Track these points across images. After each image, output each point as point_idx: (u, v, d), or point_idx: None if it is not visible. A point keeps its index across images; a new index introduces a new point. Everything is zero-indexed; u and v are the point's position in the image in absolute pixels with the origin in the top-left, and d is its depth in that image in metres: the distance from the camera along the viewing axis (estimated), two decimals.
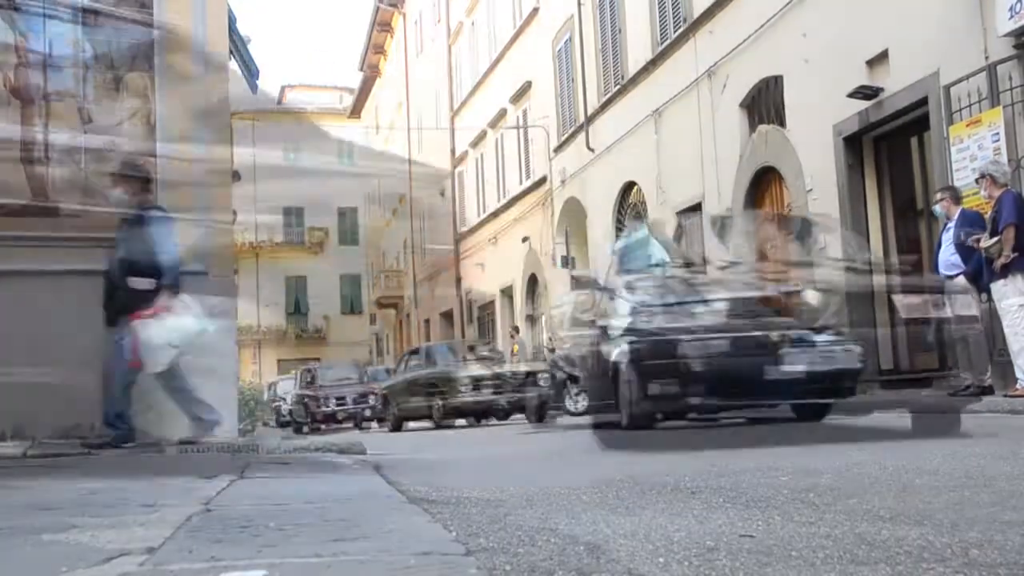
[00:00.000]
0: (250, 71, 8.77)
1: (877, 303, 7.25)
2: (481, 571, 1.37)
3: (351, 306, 41.20)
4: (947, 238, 7.71)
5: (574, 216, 17.73)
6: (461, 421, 14.07)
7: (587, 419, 7.39)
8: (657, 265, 8.34)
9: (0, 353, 5.33)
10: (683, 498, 2.34)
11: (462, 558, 1.47)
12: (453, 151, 25.49)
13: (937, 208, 7.97)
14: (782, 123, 11.42)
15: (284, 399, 21.93)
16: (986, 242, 7.01)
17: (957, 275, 7.54)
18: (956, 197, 7.84)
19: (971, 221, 7.53)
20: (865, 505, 2.13)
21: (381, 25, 31.54)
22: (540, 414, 10.39)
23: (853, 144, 10.25)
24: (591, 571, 1.39)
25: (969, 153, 8.15)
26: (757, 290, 5.92)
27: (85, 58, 5.80)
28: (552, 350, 12.80)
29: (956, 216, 7.66)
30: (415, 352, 17.16)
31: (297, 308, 41.12)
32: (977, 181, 7.49)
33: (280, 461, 4.34)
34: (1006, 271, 6.90)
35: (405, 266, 31.47)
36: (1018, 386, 6.84)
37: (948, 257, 7.64)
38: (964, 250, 7.45)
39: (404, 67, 30.44)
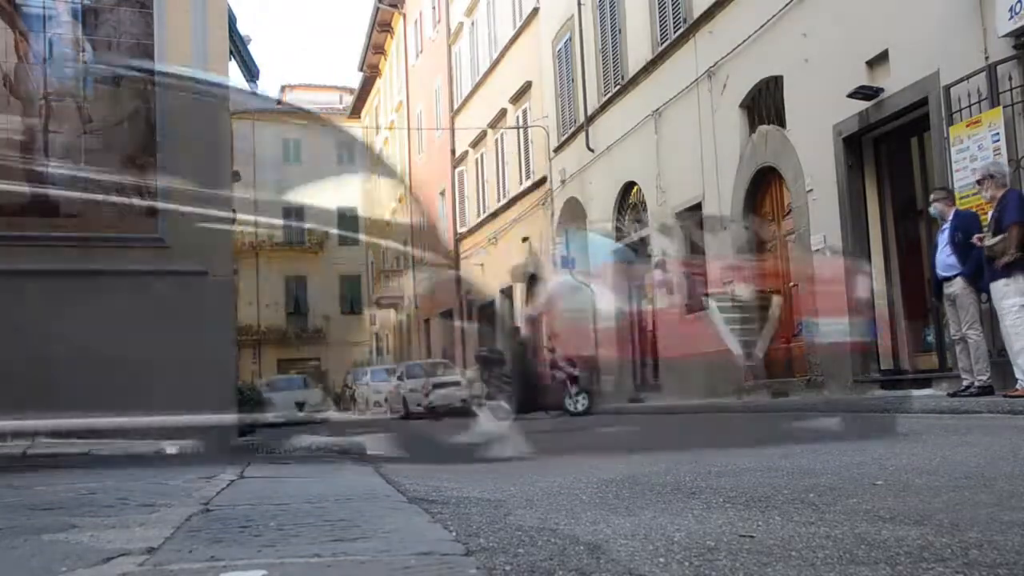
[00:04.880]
0: (250, 71, 8.78)
1: None
2: (481, 571, 1.37)
3: (351, 306, 41.21)
4: (943, 239, 7.72)
5: (574, 216, 17.74)
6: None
7: (587, 419, 7.37)
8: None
9: (2, 352, 5.33)
10: (683, 498, 2.33)
11: (462, 558, 1.47)
12: (453, 151, 25.49)
13: (933, 209, 7.99)
14: (782, 123, 11.42)
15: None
16: (989, 240, 7.01)
17: (955, 276, 7.54)
18: (951, 198, 7.86)
19: (967, 222, 7.54)
20: (865, 505, 2.13)
21: (381, 25, 31.55)
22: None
23: (853, 144, 10.25)
24: (591, 571, 1.39)
25: (969, 153, 8.15)
26: None
27: (85, 58, 5.80)
28: (552, 350, 12.88)
29: (951, 217, 7.68)
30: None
31: (297, 308, 41.13)
32: (978, 183, 7.50)
33: (280, 461, 4.33)
34: (1008, 270, 6.89)
35: (405, 266, 31.51)
36: (1018, 386, 6.84)
37: (945, 258, 7.65)
38: (961, 251, 7.45)
39: (404, 67, 30.44)
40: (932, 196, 8.05)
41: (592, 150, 16.71)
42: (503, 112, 21.48)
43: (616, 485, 2.67)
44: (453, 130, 25.42)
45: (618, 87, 15.89)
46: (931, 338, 9.72)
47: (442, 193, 26.61)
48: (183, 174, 5.87)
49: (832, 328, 4.33)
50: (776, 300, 10.41)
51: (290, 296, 41.32)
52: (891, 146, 10.23)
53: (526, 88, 20.07)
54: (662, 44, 14.30)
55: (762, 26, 11.53)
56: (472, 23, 23.99)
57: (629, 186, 15.89)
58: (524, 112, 20.42)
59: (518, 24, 20.41)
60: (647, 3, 14.79)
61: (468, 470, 3.62)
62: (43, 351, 5.47)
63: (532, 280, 19.93)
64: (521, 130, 20.51)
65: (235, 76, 8.18)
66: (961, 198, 8.15)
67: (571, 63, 17.66)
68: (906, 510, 2.03)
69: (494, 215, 22.32)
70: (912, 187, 10.04)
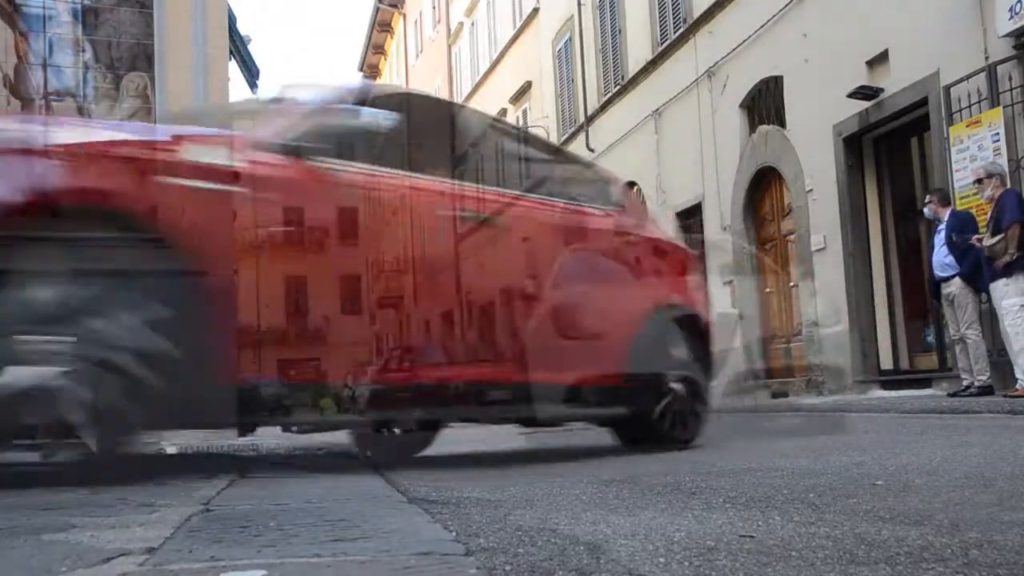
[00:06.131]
0: (250, 71, 8.79)
1: None
2: (481, 571, 1.37)
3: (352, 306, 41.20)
4: (939, 240, 7.75)
5: None
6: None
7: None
8: None
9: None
10: (683, 498, 2.33)
11: (462, 558, 1.48)
12: None
13: (926, 211, 8.01)
14: (782, 123, 11.43)
15: None
16: (988, 240, 7.02)
17: (952, 276, 7.55)
18: (944, 199, 7.88)
19: (964, 222, 7.56)
20: (865, 505, 2.13)
21: (381, 25, 31.55)
22: None
23: (853, 144, 10.26)
24: (591, 571, 1.39)
25: (969, 153, 8.17)
26: None
27: (85, 58, 5.81)
28: None
29: (946, 217, 7.69)
30: None
31: (297, 308, 41.15)
32: (976, 183, 7.51)
33: (280, 461, 4.34)
34: (1009, 270, 6.90)
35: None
36: (1018, 386, 6.84)
37: (942, 259, 7.66)
38: (958, 251, 7.46)
39: (404, 67, 30.44)
40: (926, 199, 8.09)
41: (592, 150, 16.72)
42: (503, 112, 21.47)
43: (616, 485, 2.67)
44: None
45: (618, 87, 15.89)
46: (931, 338, 9.72)
47: None
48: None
49: None
50: None
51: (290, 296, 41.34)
52: (891, 146, 10.24)
53: (526, 88, 20.08)
54: (662, 44, 14.31)
55: (762, 26, 11.53)
56: (472, 23, 23.99)
57: (629, 186, 15.89)
58: (524, 112, 20.42)
59: (518, 24, 20.41)
60: (647, 3, 14.79)
61: (468, 470, 3.63)
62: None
63: None
64: None
65: (235, 76, 8.18)
66: (961, 198, 8.16)
67: (571, 63, 17.66)
68: (906, 510, 2.03)
69: None
70: (912, 187, 10.05)
